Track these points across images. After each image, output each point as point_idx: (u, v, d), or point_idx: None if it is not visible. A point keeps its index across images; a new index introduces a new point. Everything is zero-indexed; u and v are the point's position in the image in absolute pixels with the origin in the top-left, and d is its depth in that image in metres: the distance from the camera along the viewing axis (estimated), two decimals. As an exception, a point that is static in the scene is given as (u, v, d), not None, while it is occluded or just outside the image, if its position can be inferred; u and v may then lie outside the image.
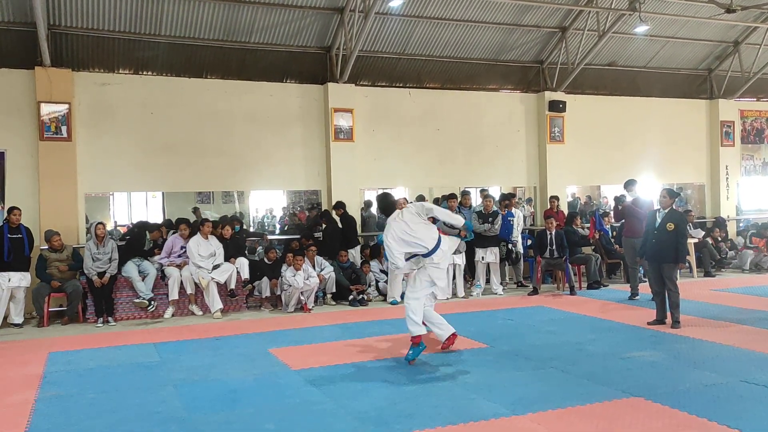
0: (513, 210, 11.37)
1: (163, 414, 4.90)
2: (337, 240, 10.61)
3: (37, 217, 9.71)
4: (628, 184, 10.12)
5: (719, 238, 13.18)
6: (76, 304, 9.02)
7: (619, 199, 10.23)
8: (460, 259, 10.41)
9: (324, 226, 10.84)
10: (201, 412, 4.92)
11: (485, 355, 6.56)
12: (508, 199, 11.59)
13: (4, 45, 9.85)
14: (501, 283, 10.96)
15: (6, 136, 9.74)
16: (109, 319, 8.96)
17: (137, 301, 9.14)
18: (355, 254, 10.83)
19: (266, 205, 13.65)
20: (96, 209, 11.04)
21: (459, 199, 10.97)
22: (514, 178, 13.47)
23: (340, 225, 10.83)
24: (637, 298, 9.68)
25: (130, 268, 9.19)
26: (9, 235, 8.75)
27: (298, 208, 12.72)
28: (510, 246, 11.07)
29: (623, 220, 10.31)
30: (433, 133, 12.57)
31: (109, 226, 12.39)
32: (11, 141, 9.76)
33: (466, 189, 11.91)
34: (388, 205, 6.62)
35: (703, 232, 13.06)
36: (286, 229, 12.68)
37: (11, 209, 8.95)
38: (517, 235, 11.27)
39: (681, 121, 14.77)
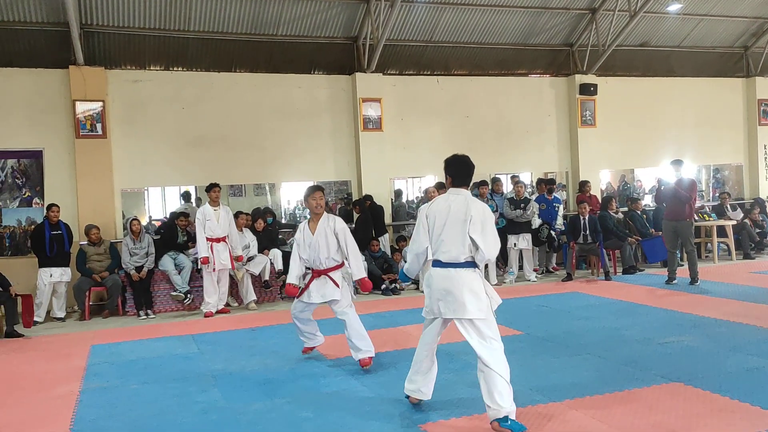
0: (560, 196, 11.30)
1: (203, 404, 5.00)
2: (370, 229, 10.66)
3: (76, 213, 9.95)
4: (676, 164, 9.69)
5: (758, 220, 12.87)
6: (116, 297, 9.24)
7: (661, 181, 9.98)
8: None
9: (357, 215, 10.89)
10: (240, 402, 5.00)
11: (520, 341, 6.54)
12: (552, 184, 11.55)
13: (39, 45, 10.07)
14: (534, 270, 10.90)
15: (43, 135, 9.97)
16: (148, 312, 9.16)
17: (174, 294, 9.31)
18: (384, 243, 10.86)
19: (297, 196, 13.72)
20: (132, 205, 11.24)
21: (490, 186, 10.92)
22: (545, 164, 13.33)
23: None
24: (674, 282, 9.52)
25: (167, 262, 9.36)
26: (50, 232, 8.99)
27: (329, 199, 12.76)
28: (552, 232, 10.98)
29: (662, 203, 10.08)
30: (462, 121, 12.50)
31: (144, 221, 12.61)
32: (48, 139, 9.99)
33: (497, 176, 11.84)
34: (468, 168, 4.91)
35: (742, 214, 12.77)
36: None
37: (50, 206, 9.21)
38: (561, 222, 11.20)
39: (717, 101, 14.44)
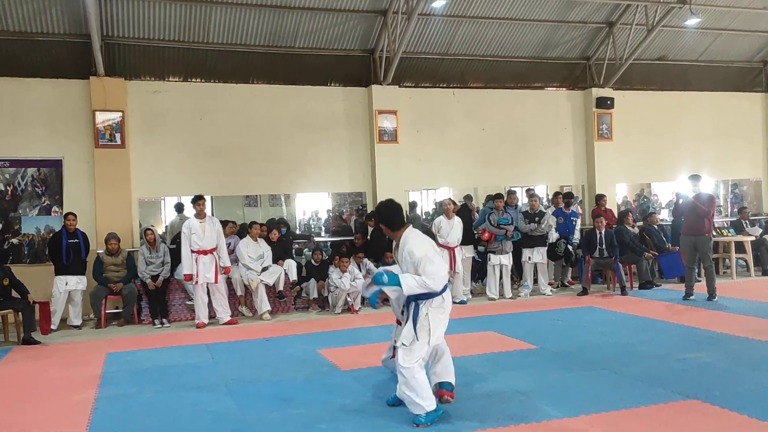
0: (576, 210, 11.23)
1: (218, 413, 5.01)
2: (384, 241, 10.65)
3: (94, 222, 10.05)
4: (694, 179, 9.58)
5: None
6: (131, 306, 9.30)
7: (679, 195, 9.88)
8: (507, 260, 10.32)
9: (371, 228, 10.90)
10: (254, 412, 5.00)
11: (535, 356, 6.49)
12: (570, 198, 11.51)
13: (61, 56, 10.24)
14: (549, 284, 10.83)
15: (63, 144, 10.11)
16: (164, 320, 9.21)
17: (189, 302, 9.37)
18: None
19: (312, 207, 13.78)
20: (149, 214, 11.33)
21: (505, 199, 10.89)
22: (561, 177, 13.28)
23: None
24: (692, 298, 9.41)
25: (182, 271, 9.41)
26: (68, 240, 9.07)
27: (344, 210, 12.80)
28: (569, 246, 10.91)
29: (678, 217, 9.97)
30: (478, 133, 12.50)
31: (161, 230, 12.70)
32: (68, 148, 10.13)
33: (512, 188, 11.82)
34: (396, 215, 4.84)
35: (761, 230, 12.62)
36: (332, 230, 12.77)
37: (67, 215, 9.29)
38: (578, 236, 11.13)
39: (735, 116, 14.33)
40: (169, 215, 12.90)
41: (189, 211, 10.19)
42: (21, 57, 10.07)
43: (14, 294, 8.39)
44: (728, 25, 13.23)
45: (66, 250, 9.03)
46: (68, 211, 9.45)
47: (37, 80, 10.07)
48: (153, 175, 10.60)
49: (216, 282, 9.00)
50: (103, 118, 10.12)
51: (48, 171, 10.11)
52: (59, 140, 10.10)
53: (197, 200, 9.10)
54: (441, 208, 10.68)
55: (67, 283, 9.04)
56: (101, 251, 9.45)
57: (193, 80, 11.06)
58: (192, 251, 8.88)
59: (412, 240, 4.70)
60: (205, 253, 8.93)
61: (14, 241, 9.95)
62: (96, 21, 9.42)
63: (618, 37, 12.70)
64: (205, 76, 11.11)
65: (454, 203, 10.46)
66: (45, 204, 10.09)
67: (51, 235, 9.61)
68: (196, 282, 8.87)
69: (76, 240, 9.17)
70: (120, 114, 10.19)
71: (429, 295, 4.57)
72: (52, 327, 8.83)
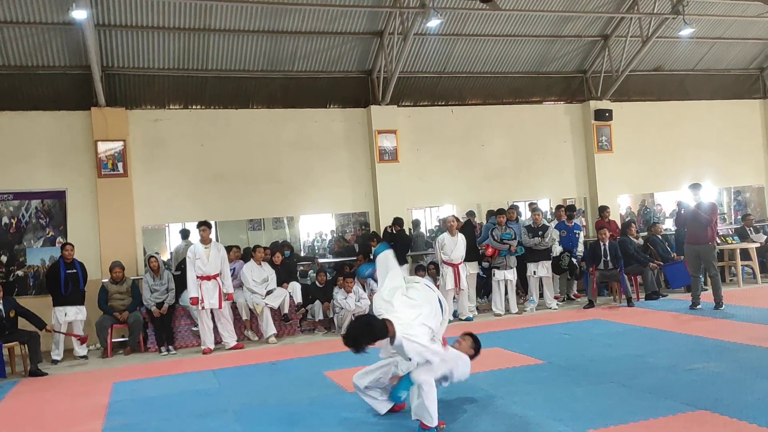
0: (579, 222, 11.22)
1: (224, 439, 4.99)
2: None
3: (98, 251, 10.09)
4: (694, 188, 9.58)
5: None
6: (137, 334, 9.30)
7: (681, 204, 9.89)
8: (512, 275, 10.30)
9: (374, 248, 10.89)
10: (261, 437, 4.98)
11: (542, 371, 6.46)
12: (572, 210, 11.52)
13: (62, 88, 10.35)
14: (555, 297, 10.80)
15: (66, 175, 10.18)
16: (170, 347, 9.20)
17: (195, 329, 9.36)
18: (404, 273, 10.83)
19: (316, 228, 13.80)
20: (153, 241, 11.37)
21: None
22: (563, 190, 13.30)
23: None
24: (698, 307, 9.35)
25: (187, 297, 9.42)
26: (66, 271, 9.06)
27: (348, 231, 12.81)
28: (573, 259, 10.89)
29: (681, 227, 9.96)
30: (478, 149, 12.55)
31: (165, 257, 12.71)
32: (71, 179, 10.20)
33: (515, 203, 11.83)
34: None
35: (765, 236, 12.57)
36: (336, 251, 12.78)
37: (64, 245, 9.30)
38: (582, 249, 11.11)
39: (735, 123, 14.35)
40: (173, 242, 12.94)
41: (194, 237, 10.26)
42: (22, 90, 10.19)
43: (20, 326, 8.41)
44: (723, 33, 13.31)
45: (64, 281, 9.00)
46: (65, 242, 9.47)
47: (39, 113, 10.17)
48: (156, 202, 10.65)
49: (220, 308, 9.01)
50: (105, 148, 10.19)
51: (51, 202, 10.17)
52: (62, 171, 10.18)
53: (201, 226, 9.14)
54: (444, 225, 10.68)
55: (66, 314, 9.00)
56: (106, 280, 9.46)
57: (193, 107, 11.15)
58: (196, 277, 8.90)
59: (407, 344, 4.41)
60: (209, 278, 8.95)
61: (19, 273, 9.98)
62: (96, 53, 9.53)
63: (613, 50, 12.78)
64: (204, 102, 11.21)
65: (457, 220, 10.48)
66: (49, 235, 10.14)
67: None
68: (202, 307, 8.87)
69: (74, 270, 9.14)
70: (122, 143, 10.27)
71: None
72: (57, 358, 8.84)
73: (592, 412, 4.96)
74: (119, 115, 10.35)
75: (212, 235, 11.54)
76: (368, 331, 4.35)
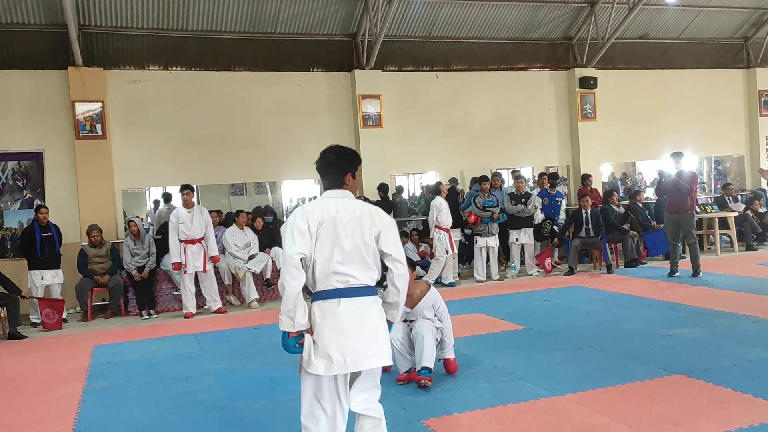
0: (562, 190, 11.27)
1: (207, 402, 5.01)
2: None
3: (77, 214, 9.96)
4: (676, 156, 9.64)
5: (760, 211, 12.84)
6: (118, 298, 9.25)
7: (662, 173, 9.95)
8: (494, 242, 10.35)
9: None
10: (243, 400, 5.01)
11: (522, 336, 6.53)
12: (555, 179, 11.55)
13: (38, 47, 10.07)
14: (556, 263, 10.86)
15: (43, 136, 9.98)
16: (151, 311, 9.16)
17: (177, 293, 9.34)
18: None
19: (298, 194, 13.75)
20: (133, 205, 11.27)
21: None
22: (546, 158, 13.32)
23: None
24: (676, 275, 9.49)
25: (169, 261, 9.37)
26: (41, 234, 8.93)
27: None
28: (555, 227, 10.96)
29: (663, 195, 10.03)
30: (462, 116, 12.48)
31: (148, 220, 12.61)
32: (49, 141, 10.00)
33: (498, 170, 11.83)
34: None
35: (744, 205, 12.74)
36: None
37: (39, 207, 9.14)
38: (563, 217, 11.18)
39: (717, 93, 14.41)
40: (153, 205, 12.83)
41: (177, 201, 10.14)
42: (-3, 48, 9.91)
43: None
44: (709, 2, 13.25)
45: (40, 244, 8.86)
46: (39, 204, 9.32)
47: (14, 72, 9.91)
48: (136, 165, 10.50)
49: (205, 271, 8.97)
50: (83, 109, 9.98)
51: (29, 164, 9.98)
52: (39, 132, 9.97)
53: (184, 189, 9.04)
54: (428, 193, 10.67)
55: (42, 278, 8.90)
56: (85, 243, 9.36)
57: (173, 69, 10.93)
58: (180, 241, 8.84)
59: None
60: (193, 242, 8.89)
61: (-4, 235, 9.85)
62: (72, 10, 9.26)
63: (600, 16, 12.68)
64: (185, 64, 10.99)
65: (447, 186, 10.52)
66: (27, 197, 9.97)
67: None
68: (185, 271, 8.83)
69: (50, 233, 9.00)
70: (100, 104, 10.06)
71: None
72: (36, 321, 8.77)
73: (570, 377, 5.03)
74: (97, 75, 10.12)
75: (194, 200, 11.49)
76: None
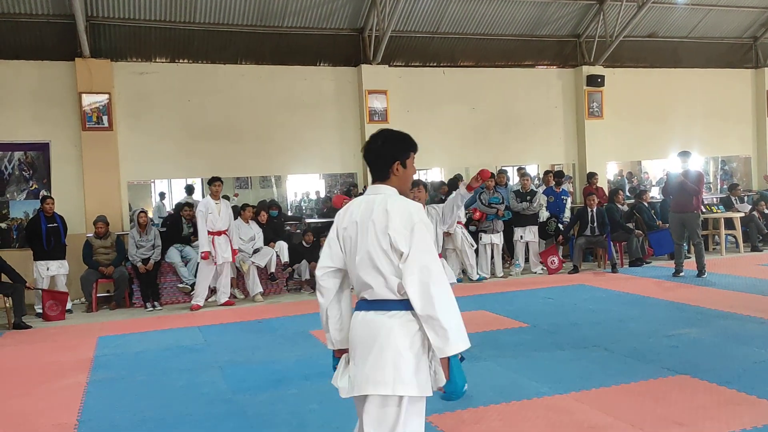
0: (567, 188, 11.25)
1: (210, 395, 5.02)
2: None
3: (82, 205, 9.97)
4: (683, 155, 9.58)
5: (766, 212, 12.79)
6: (123, 289, 9.27)
7: (669, 174, 9.91)
8: (498, 239, 10.34)
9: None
10: (246, 393, 5.02)
11: (525, 334, 6.53)
12: (561, 176, 11.53)
13: (45, 38, 10.07)
14: (540, 262, 10.86)
15: (50, 128, 9.98)
16: (155, 303, 9.19)
17: (181, 286, 9.36)
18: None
19: (303, 188, 13.76)
20: (138, 197, 11.28)
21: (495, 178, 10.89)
22: (552, 156, 13.27)
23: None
24: (681, 275, 9.47)
25: (173, 254, 9.40)
26: (46, 225, 8.95)
27: (335, 192, 12.78)
28: (559, 225, 10.94)
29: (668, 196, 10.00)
30: (469, 112, 12.45)
31: (151, 213, 12.65)
32: (55, 132, 10.00)
33: (503, 168, 11.80)
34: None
35: (750, 206, 12.69)
36: (325, 212, 12.76)
37: (45, 198, 9.17)
38: (568, 215, 11.16)
39: (725, 92, 14.31)
40: (159, 197, 12.85)
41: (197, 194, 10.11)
42: (4, 39, 9.89)
43: (4, 279, 8.35)
44: (718, 1, 13.16)
45: (46, 235, 8.89)
46: (45, 195, 9.34)
47: (22, 62, 9.90)
48: (142, 157, 10.50)
49: (233, 260, 9.13)
50: (89, 101, 9.98)
51: (35, 155, 9.99)
52: (45, 123, 9.97)
53: (215, 181, 9.11)
54: (432, 190, 10.65)
55: (48, 269, 8.92)
56: (90, 234, 9.38)
57: (180, 61, 10.92)
58: (208, 232, 8.88)
59: None
60: (219, 234, 8.95)
61: (2, 225, 9.86)
62: (80, 1, 9.25)
63: (608, 14, 12.61)
64: (192, 56, 10.97)
65: (444, 184, 10.50)
66: (33, 188, 9.99)
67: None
68: (215, 262, 8.87)
69: (55, 224, 9.02)
70: (107, 96, 10.05)
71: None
72: (40, 310, 8.79)
73: (574, 375, 5.03)
74: (104, 66, 10.11)
75: (198, 193, 11.53)
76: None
